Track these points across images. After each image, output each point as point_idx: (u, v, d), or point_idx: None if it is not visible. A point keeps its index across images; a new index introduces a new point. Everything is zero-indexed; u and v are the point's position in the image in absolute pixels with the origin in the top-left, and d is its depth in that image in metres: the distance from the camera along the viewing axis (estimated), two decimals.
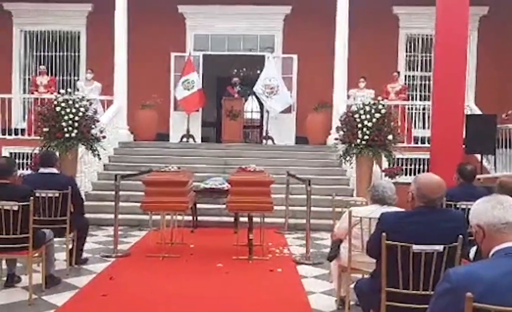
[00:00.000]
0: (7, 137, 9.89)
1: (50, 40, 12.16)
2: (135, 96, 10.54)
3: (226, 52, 12.15)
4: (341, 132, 7.87)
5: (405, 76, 11.78)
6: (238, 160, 8.55)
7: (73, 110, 7.55)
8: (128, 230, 6.95)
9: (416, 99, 11.65)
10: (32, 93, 10.66)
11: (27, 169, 8.64)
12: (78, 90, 10.05)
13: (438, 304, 1.66)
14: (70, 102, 7.63)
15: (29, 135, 9.62)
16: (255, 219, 5.69)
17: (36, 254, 4.11)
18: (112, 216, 5.91)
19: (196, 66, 11.20)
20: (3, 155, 9.10)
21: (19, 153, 9.52)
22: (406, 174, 9.09)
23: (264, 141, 11.18)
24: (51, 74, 11.45)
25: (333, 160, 9.29)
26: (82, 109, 7.65)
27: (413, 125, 10.55)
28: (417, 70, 11.97)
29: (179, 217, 6.54)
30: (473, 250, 3.39)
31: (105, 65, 10.21)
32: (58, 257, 4.89)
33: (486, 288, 1.56)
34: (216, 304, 4.07)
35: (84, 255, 5.22)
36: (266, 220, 6.08)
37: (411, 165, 9.64)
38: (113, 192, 5.90)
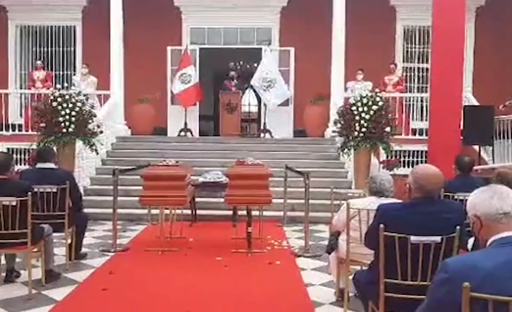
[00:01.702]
0: (4, 132, 9.87)
1: (46, 35, 12.10)
2: (132, 90, 10.51)
3: (222, 45, 12.12)
4: (339, 125, 7.88)
5: (403, 68, 11.76)
6: (236, 154, 8.54)
7: (70, 105, 7.54)
8: (127, 224, 6.95)
9: (413, 91, 11.65)
10: (30, 88, 10.62)
11: (24, 164, 8.64)
12: (73, 85, 9.99)
13: (435, 294, 1.67)
14: (67, 97, 7.62)
15: (26, 130, 9.60)
16: (253, 212, 5.70)
17: (35, 249, 4.12)
18: (110, 210, 5.91)
19: (193, 59, 11.17)
20: (0, 150, 9.08)
21: (16, 148, 9.51)
22: (404, 166, 9.11)
23: (262, 134, 11.18)
24: (47, 69, 11.41)
25: (331, 152, 9.30)
26: (78, 104, 7.64)
27: (410, 117, 10.56)
28: (414, 62, 11.95)
29: (178, 211, 6.55)
30: (471, 240, 3.40)
31: (101, 59, 10.17)
32: (58, 252, 4.90)
33: (483, 278, 1.56)
34: (215, 297, 4.08)
35: (83, 250, 5.23)
36: (265, 213, 6.10)
37: (409, 157, 9.66)
38: (112, 187, 5.90)
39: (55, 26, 12.04)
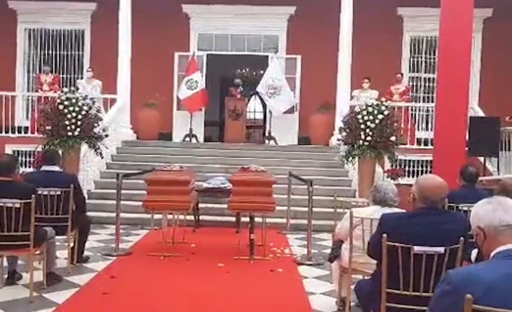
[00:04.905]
0: (11, 135, 9.92)
1: (54, 39, 12.19)
2: (138, 95, 10.55)
3: (229, 52, 12.16)
4: (344, 133, 7.86)
5: (409, 77, 11.76)
6: (241, 160, 8.54)
7: (76, 109, 7.58)
8: (130, 229, 6.94)
9: (419, 101, 11.62)
10: (37, 91, 10.69)
11: (30, 167, 8.67)
12: (77, 88, 10.01)
13: (437, 305, 1.66)
14: (74, 100, 7.65)
15: (32, 133, 9.65)
16: (256, 219, 5.70)
17: (37, 252, 4.13)
18: (114, 214, 5.92)
19: (200, 65, 11.21)
20: (6, 152, 9.13)
21: (22, 151, 9.55)
22: (408, 176, 9.07)
23: (266, 141, 11.18)
24: (55, 72, 11.48)
25: (336, 160, 9.28)
26: (85, 107, 7.67)
27: (416, 127, 10.53)
28: (421, 72, 11.94)
29: (181, 216, 6.54)
30: (474, 252, 3.38)
31: (108, 63, 10.23)
32: (60, 255, 4.90)
33: (486, 290, 1.55)
34: (216, 303, 4.07)
35: (86, 253, 5.23)
36: (268, 220, 6.09)
37: (413, 166, 9.62)
38: (115, 191, 5.90)
39: (63, 30, 12.13)
